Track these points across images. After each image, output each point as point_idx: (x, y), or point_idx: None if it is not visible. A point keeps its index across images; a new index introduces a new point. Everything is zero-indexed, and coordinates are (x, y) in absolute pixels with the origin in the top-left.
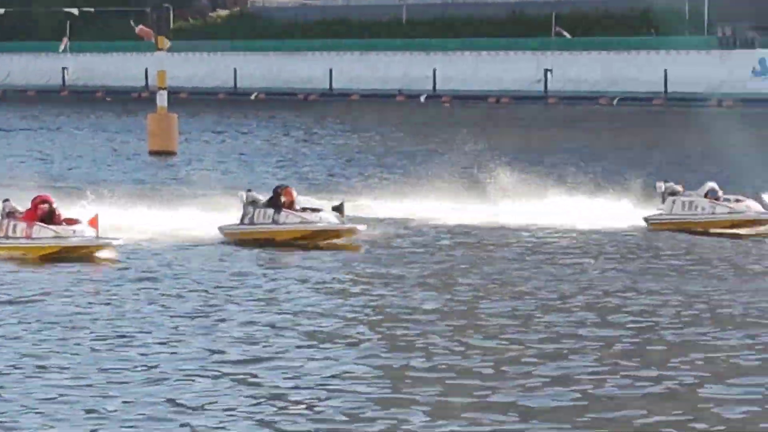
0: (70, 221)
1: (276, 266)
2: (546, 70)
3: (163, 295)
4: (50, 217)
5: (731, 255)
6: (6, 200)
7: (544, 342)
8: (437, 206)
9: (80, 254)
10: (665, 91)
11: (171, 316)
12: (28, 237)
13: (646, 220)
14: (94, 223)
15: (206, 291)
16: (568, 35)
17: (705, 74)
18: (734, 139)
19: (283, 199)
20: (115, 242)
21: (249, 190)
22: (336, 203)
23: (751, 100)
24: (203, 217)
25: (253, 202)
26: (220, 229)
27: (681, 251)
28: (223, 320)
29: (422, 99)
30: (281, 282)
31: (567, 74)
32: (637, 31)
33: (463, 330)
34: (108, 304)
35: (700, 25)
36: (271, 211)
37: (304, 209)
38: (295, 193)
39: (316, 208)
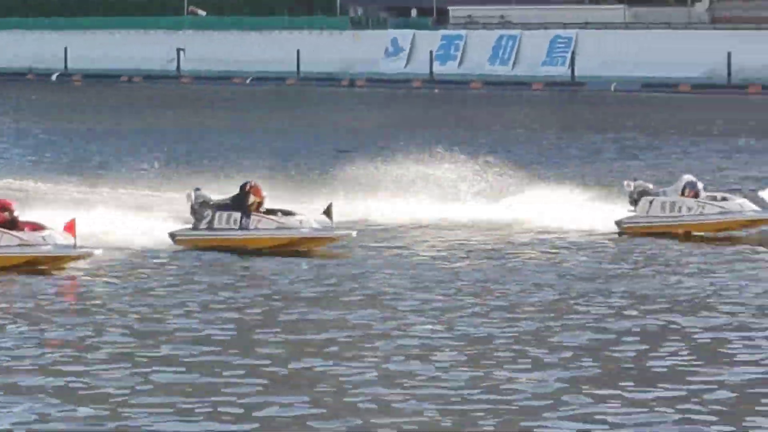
0: (35, 226)
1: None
2: (179, 50)
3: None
4: (11, 227)
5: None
6: (197, 188)
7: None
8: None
9: (54, 265)
10: (298, 71)
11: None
12: None
13: (618, 223)
14: (71, 228)
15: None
16: (203, 13)
17: (338, 54)
18: (363, 116)
19: (252, 199)
20: (96, 251)
21: (198, 189)
22: (324, 206)
23: (383, 81)
24: None
25: (204, 203)
26: (172, 235)
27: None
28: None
29: (53, 78)
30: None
31: (200, 54)
32: (271, 11)
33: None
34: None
35: (333, 6)
36: (237, 215)
37: (271, 211)
38: (264, 193)
39: (288, 211)
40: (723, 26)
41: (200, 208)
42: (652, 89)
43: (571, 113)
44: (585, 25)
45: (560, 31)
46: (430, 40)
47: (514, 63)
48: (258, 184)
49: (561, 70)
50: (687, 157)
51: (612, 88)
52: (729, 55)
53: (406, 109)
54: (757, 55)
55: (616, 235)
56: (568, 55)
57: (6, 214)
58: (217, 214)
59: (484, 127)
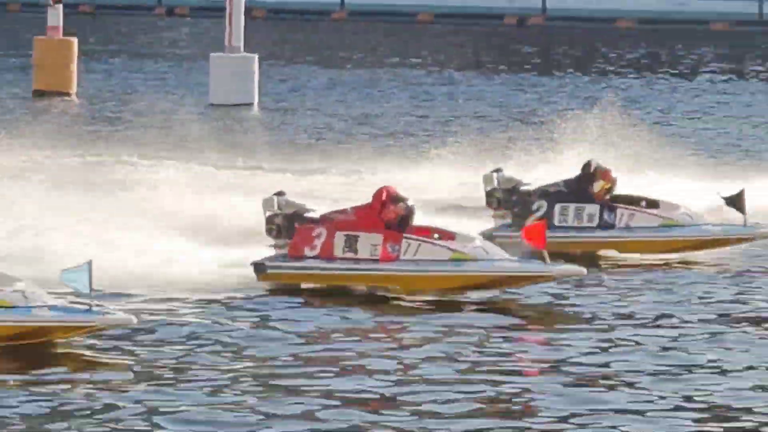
0: (442, 233)
1: None
2: None
3: None
4: (403, 226)
5: None
6: (280, 193)
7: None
8: None
9: (511, 287)
10: None
11: None
12: (386, 259)
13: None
14: (537, 234)
15: None
16: None
17: None
18: None
19: (599, 185)
20: (583, 270)
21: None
22: (730, 193)
23: None
24: None
25: (541, 194)
26: (488, 236)
27: None
28: None
29: None
30: None
31: None
32: None
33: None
34: None
35: None
36: (592, 207)
37: (629, 200)
38: (614, 175)
39: (653, 200)
40: None
41: (517, 197)
42: None
43: None
44: None
45: None
46: None
47: None
48: (605, 166)
49: None
50: None
51: None
52: None
53: None
54: None
55: None
56: None
57: (400, 206)
58: (558, 207)
59: None
